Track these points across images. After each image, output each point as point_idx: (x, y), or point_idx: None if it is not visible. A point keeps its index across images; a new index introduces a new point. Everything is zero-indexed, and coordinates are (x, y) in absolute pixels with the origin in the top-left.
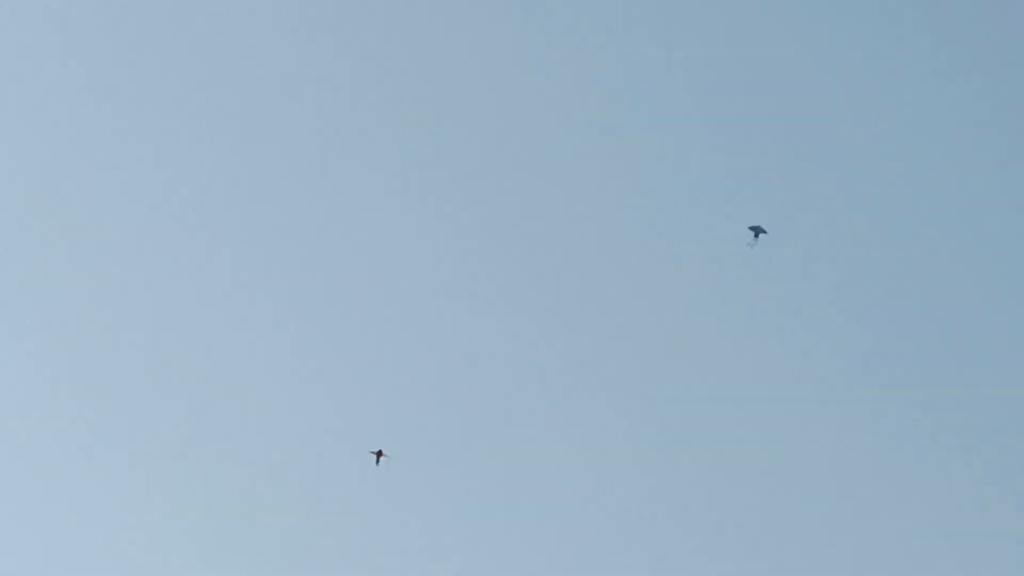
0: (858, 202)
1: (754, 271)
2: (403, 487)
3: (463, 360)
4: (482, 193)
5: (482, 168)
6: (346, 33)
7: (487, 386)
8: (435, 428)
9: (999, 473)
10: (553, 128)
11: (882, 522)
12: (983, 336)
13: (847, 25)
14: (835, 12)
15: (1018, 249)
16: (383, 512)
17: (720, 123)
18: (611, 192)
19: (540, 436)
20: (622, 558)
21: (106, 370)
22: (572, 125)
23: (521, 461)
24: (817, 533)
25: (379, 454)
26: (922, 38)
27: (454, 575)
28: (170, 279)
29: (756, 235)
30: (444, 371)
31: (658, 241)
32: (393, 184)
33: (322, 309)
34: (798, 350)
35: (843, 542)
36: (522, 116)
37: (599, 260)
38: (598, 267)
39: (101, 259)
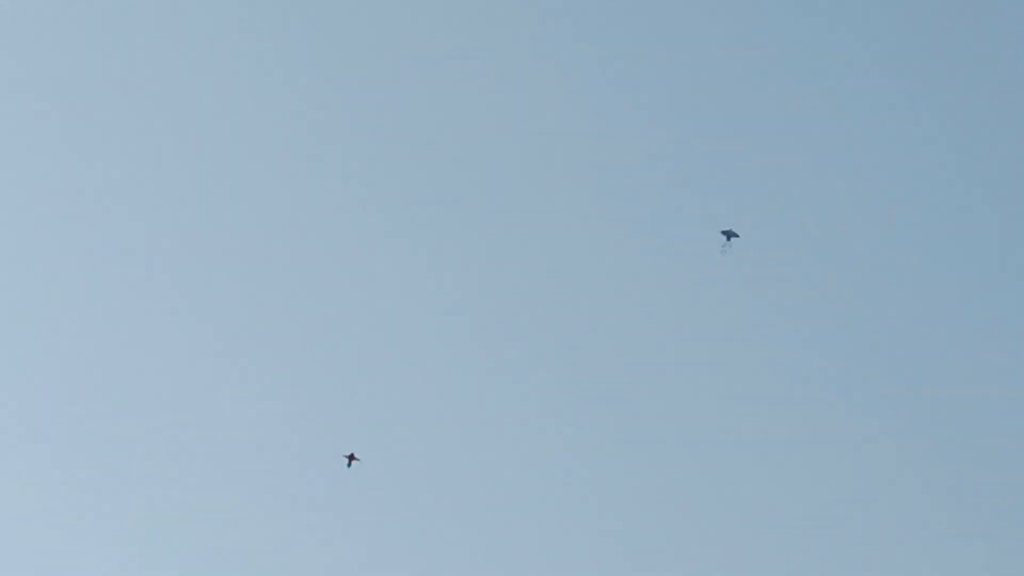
0: (831, 205)
1: (726, 274)
2: (375, 490)
3: (439, 363)
4: (457, 199)
5: (454, 174)
6: (327, 39)
7: (465, 389)
8: (410, 432)
9: (983, 473)
10: (526, 135)
11: (867, 524)
12: (962, 337)
13: (823, 30)
14: (811, 18)
15: (995, 251)
16: (355, 515)
17: (692, 128)
18: (584, 196)
19: (520, 438)
20: (605, 560)
21: (81, 374)
22: (544, 131)
23: (495, 465)
24: (804, 534)
25: (351, 458)
26: (894, 43)
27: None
28: (149, 287)
29: (728, 239)
30: (420, 375)
31: (631, 244)
32: (366, 191)
33: (298, 313)
34: (773, 350)
35: (827, 543)
36: (495, 122)
37: (572, 263)
38: (571, 270)
39: (82, 264)
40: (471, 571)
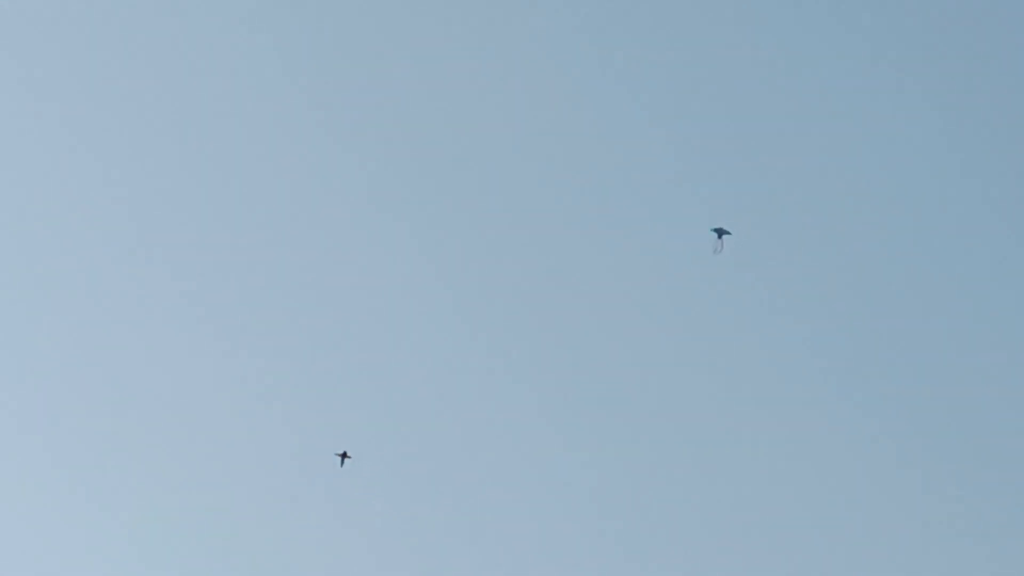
0: (825, 203)
1: (719, 273)
2: (368, 489)
3: (435, 361)
4: (450, 198)
5: (447, 173)
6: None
7: (461, 386)
8: (404, 430)
9: (982, 474)
10: (514, 133)
11: (865, 525)
12: (960, 337)
13: (818, 27)
14: (805, 18)
15: (994, 250)
16: (348, 514)
17: (683, 125)
18: (574, 194)
19: (516, 437)
20: (604, 560)
21: (73, 373)
22: (531, 129)
23: (491, 463)
24: (801, 535)
25: (344, 456)
26: (889, 42)
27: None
28: (143, 286)
29: (719, 237)
30: (415, 373)
31: (621, 243)
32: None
33: (292, 312)
34: (768, 349)
35: (825, 544)
36: (489, 121)
37: (560, 263)
38: (559, 270)
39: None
40: (467, 571)
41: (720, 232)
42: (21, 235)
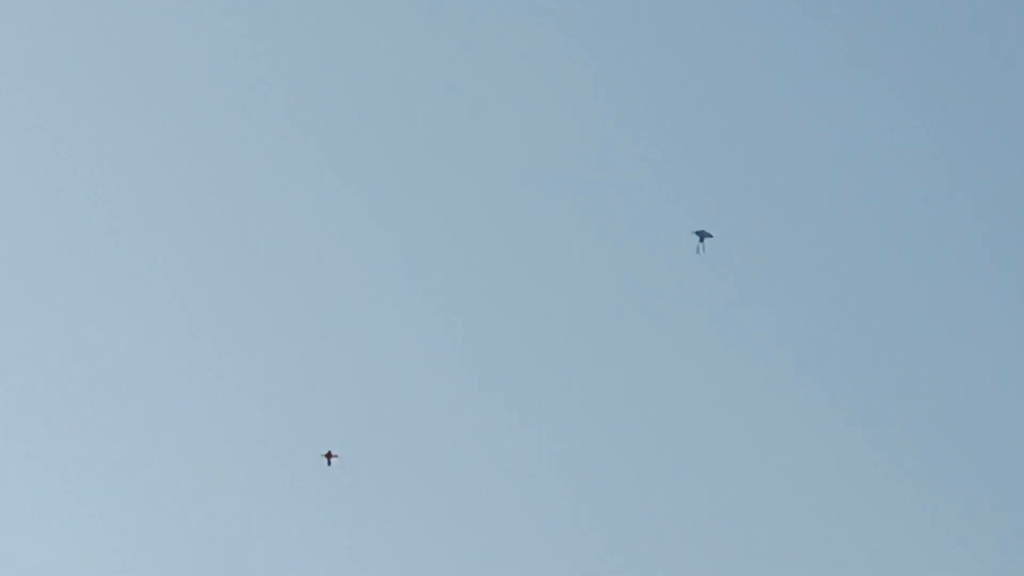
0: (811, 205)
1: (702, 275)
2: (356, 488)
3: (422, 361)
4: (437, 199)
5: (435, 174)
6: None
7: (449, 388)
8: (392, 430)
9: (975, 475)
10: (499, 134)
11: (856, 528)
12: (951, 339)
13: (807, 30)
14: (789, 19)
15: (977, 254)
16: (336, 513)
17: (670, 127)
18: (556, 195)
19: (506, 439)
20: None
21: (61, 372)
22: (518, 131)
23: (480, 465)
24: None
25: (329, 456)
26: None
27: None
28: (132, 285)
29: (702, 239)
30: (404, 373)
31: (604, 245)
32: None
33: (283, 312)
34: (749, 351)
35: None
36: (477, 124)
37: (544, 264)
38: (545, 271)
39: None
40: (460, 570)
41: (702, 235)
42: (14, 234)
